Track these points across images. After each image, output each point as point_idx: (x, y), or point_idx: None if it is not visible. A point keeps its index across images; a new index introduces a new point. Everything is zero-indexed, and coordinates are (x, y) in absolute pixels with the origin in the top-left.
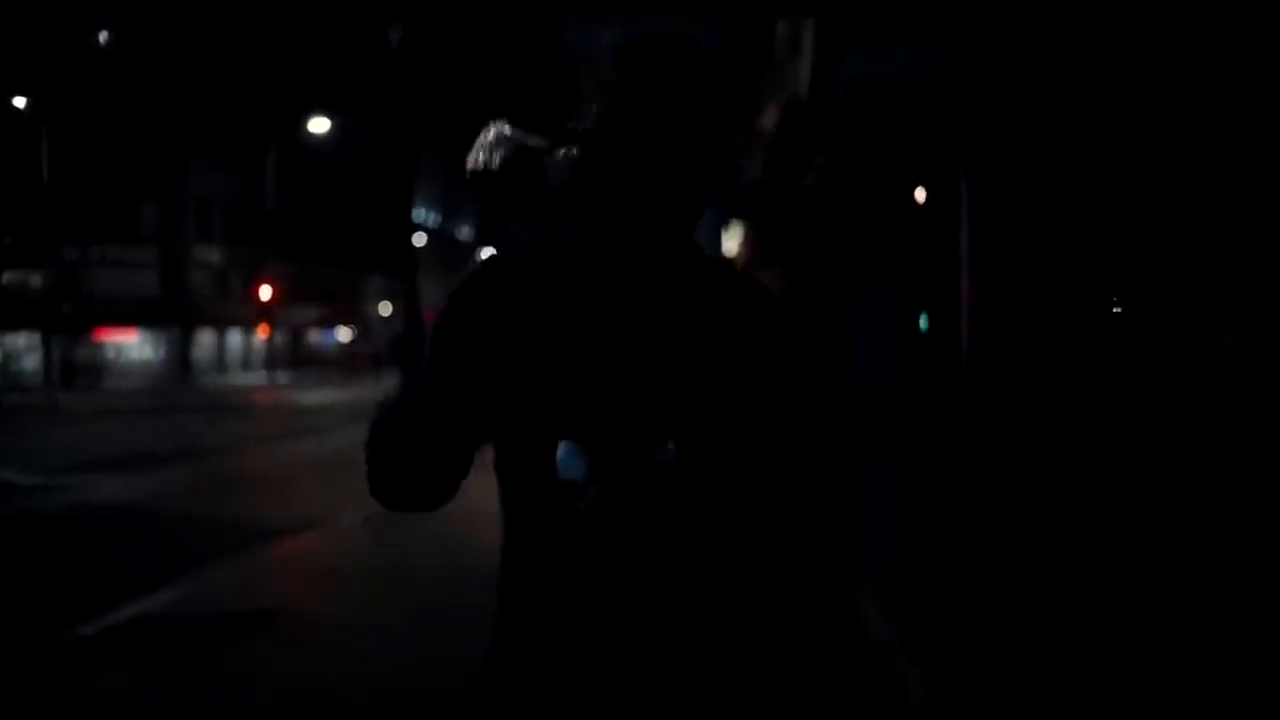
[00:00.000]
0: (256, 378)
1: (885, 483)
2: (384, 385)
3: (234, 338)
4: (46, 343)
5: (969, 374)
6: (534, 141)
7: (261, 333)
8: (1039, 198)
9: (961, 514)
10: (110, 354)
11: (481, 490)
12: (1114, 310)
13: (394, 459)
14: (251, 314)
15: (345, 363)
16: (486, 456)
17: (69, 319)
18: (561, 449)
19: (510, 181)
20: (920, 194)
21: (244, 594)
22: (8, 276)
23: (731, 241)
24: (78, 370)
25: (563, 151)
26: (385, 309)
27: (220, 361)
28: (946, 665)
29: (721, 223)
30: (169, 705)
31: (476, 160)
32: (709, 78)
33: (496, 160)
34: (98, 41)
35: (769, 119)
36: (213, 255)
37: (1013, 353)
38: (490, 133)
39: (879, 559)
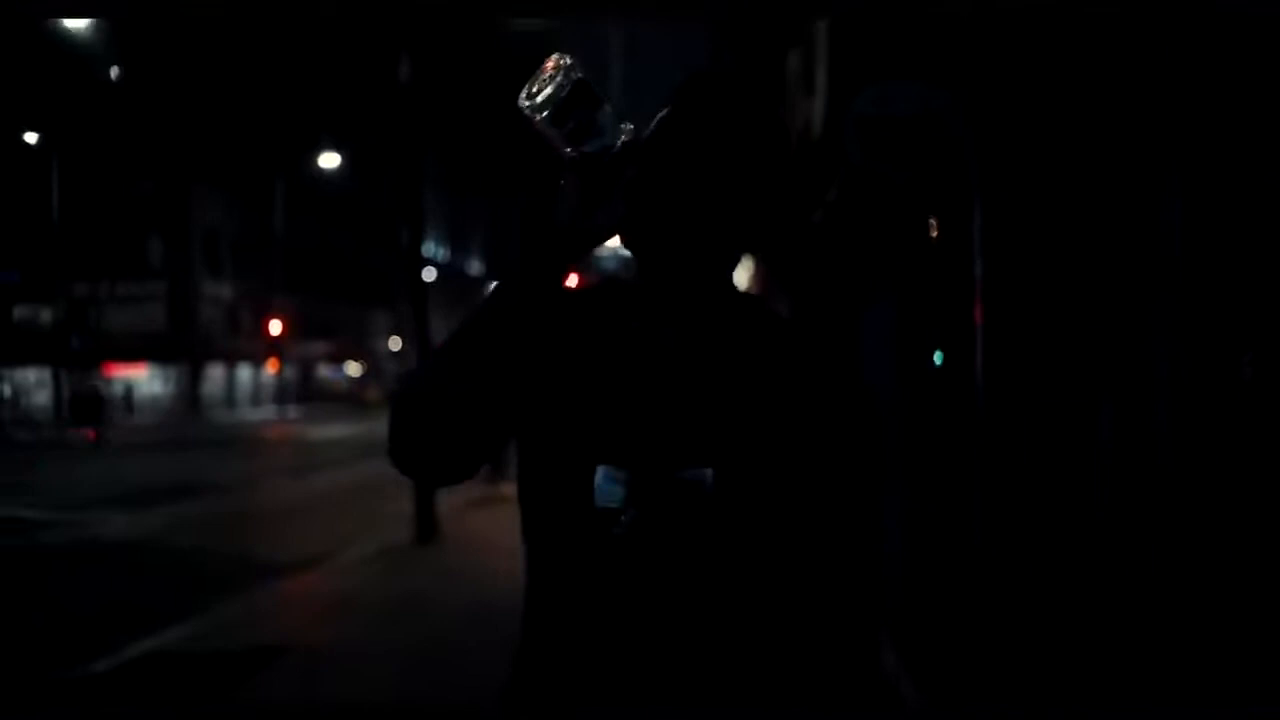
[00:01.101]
0: (267, 412)
1: (890, 511)
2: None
3: (243, 372)
4: (56, 378)
5: (984, 404)
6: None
7: (271, 367)
8: (1051, 225)
9: (970, 541)
10: (120, 389)
11: (488, 525)
12: (1126, 337)
13: (421, 397)
14: (261, 348)
15: (355, 398)
16: (492, 491)
17: (78, 354)
18: (599, 475)
19: (563, 116)
20: (933, 227)
21: (257, 628)
22: (18, 312)
23: (740, 274)
24: (89, 404)
25: (630, 127)
26: (395, 344)
27: (230, 396)
28: (951, 693)
29: None
30: None
31: (532, 90)
32: (765, 121)
33: (552, 92)
34: (106, 75)
35: None
36: (222, 290)
37: (1027, 381)
38: (550, 63)
39: (885, 586)
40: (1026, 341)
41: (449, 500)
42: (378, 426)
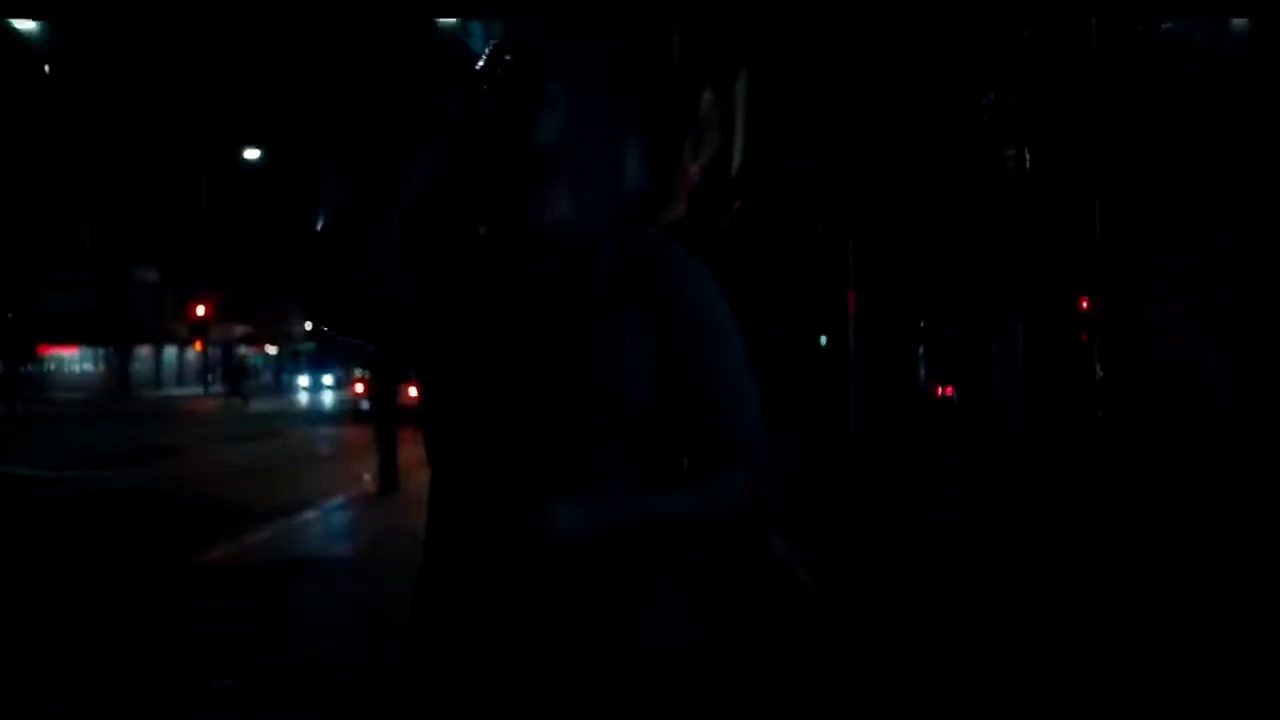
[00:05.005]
0: (194, 390)
1: (788, 447)
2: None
3: (169, 353)
4: None
5: (854, 366)
6: None
7: (197, 348)
8: (901, 251)
9: (843, 458)
10: (51, 367)
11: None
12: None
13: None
14: (186, 330)
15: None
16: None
17: (13, 335)
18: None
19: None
20: (817, 233)
21: (289, 548)
22: None
23: None
24: (26, 382)
25: None
26: (309, 326)
27: (157, 375)
28: (836, 572)
29: None
30: (263, 617)
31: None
32: None
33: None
34: (40, 69)
35: (694, 170)
36: (150, 274)
37: (877, 349)
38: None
39: (782, 499)
40: (880, 325)
41: (403, 460)
42: (299, 399)
